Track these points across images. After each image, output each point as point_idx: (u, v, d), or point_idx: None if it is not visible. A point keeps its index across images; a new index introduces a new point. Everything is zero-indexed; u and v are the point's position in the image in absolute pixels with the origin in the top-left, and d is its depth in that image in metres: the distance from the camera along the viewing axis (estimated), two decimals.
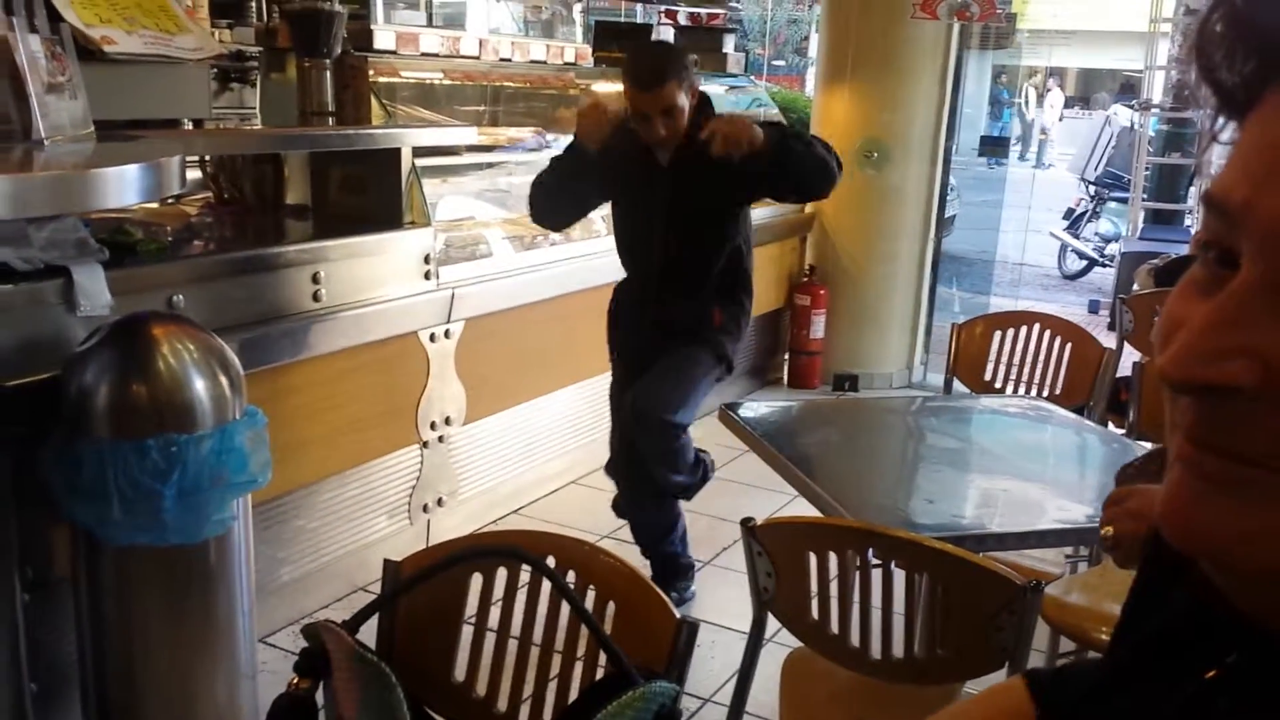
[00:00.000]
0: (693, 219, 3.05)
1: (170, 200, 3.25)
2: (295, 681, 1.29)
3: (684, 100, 2.92)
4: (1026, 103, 16.80)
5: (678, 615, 1.35)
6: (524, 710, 1.50)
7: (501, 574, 1.54)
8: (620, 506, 3.39)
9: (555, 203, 3.12)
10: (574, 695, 1.41)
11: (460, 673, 1.54)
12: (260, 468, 2.30)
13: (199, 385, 2.21)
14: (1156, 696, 0.58)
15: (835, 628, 1.63)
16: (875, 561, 1.59)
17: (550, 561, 1.47)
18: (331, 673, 1.33)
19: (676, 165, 3.00)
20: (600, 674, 1.37)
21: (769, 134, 2.80)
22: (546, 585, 1.43)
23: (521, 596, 1.51)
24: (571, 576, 1.49)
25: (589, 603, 1.45)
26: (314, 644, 1.34)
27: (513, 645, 1.54)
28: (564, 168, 3.05)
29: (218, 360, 2.26)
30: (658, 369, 3.07)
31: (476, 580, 1.53)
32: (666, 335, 3.12)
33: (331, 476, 3.19)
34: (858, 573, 1.59)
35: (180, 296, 2.59)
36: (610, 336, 3.32)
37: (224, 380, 2.26)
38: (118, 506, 2.13)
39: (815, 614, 1.65)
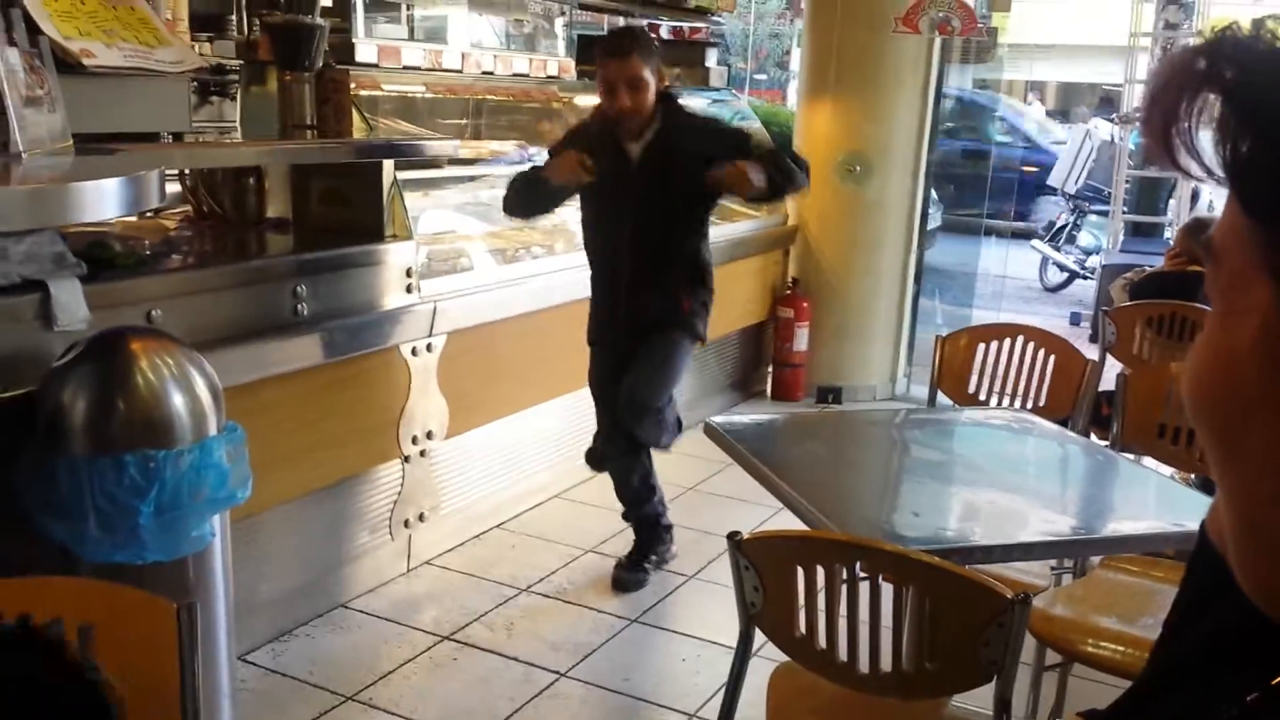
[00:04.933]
0: (661, 211, 3.24)
1: (149, 214, 3.22)
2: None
3: (649, 77, 3.15)
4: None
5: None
6: None
7: None
8: (597, 458, 3.60)
9: (528, 204, 3.35)
10: None
11: None
12: (239, 483, 2.28)
13: (177, 400, 2.19)
14: (1191, 715, 0.57)
15: (823, 642, 1.62)
16: (862, 575, 1.58)
17: None
18: None
19: (646, 160, 3.22)
20: None
21: (762, 179, 3.07)
22: None
23: None
24: None
25: None
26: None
27: None
28: (536, 183, 3.26)
29: (197, 375, 2.24)
30: (642, 360, 3.31)
31: None
32: (639, 324, 3.34)
33: (312, 492, 3.16)
34: (845, 586, 1.58)
35: (159, 311, 2.56)
36: (589, 325, 3.51)
37: (203, 395, 2.23)
38: (94, 523, 2.11)
39: (803, 628, 1.64)
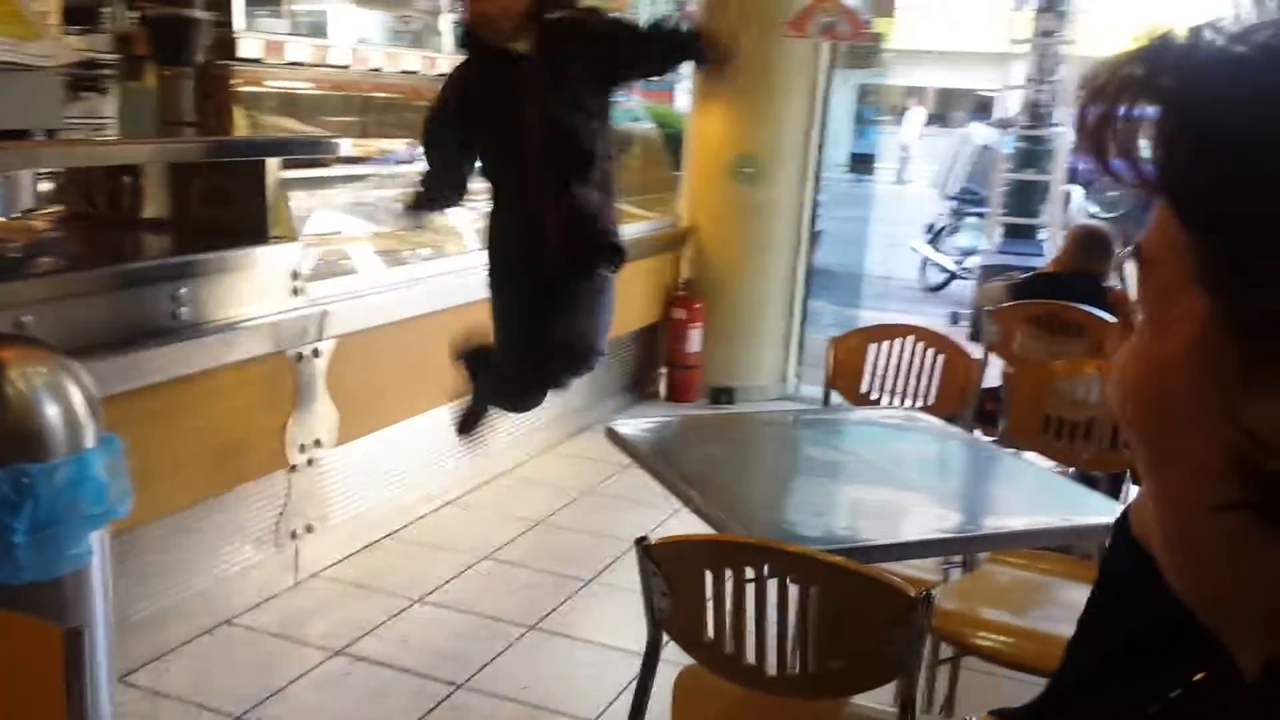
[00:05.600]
0: (565, 108, 3.03)
1: (17, 214, 3.06)
2: None
3: None
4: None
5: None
6: None
7: None
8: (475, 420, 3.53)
9: (444, 189, 3.21)
10: None
11: None
12: (119, 497, 2.18)
13: (51, 411, 2.08)
14: (1114, 714, 0.57)
15: (730, 645, 1.62)
16: (769, 576, 1.58)
17: None
18: None
19: (541, 51, 3.01)
20: None
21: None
22: None
23: None
24: None
25: None
26: None
27: None
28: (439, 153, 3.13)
29: (71, 384, 2.14)
30: (582, 307, 3.21)
31: None
32: (571, 246, 3.10)
33: (194, 504, 3.04)
34: (753, 588, 1.57)
35: (30, 317, 2.44)
36: (499, 266, 3.26)
37: (78, 406, 2.13)
38: None
39: (711, 632, 1.63)
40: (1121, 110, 0.48)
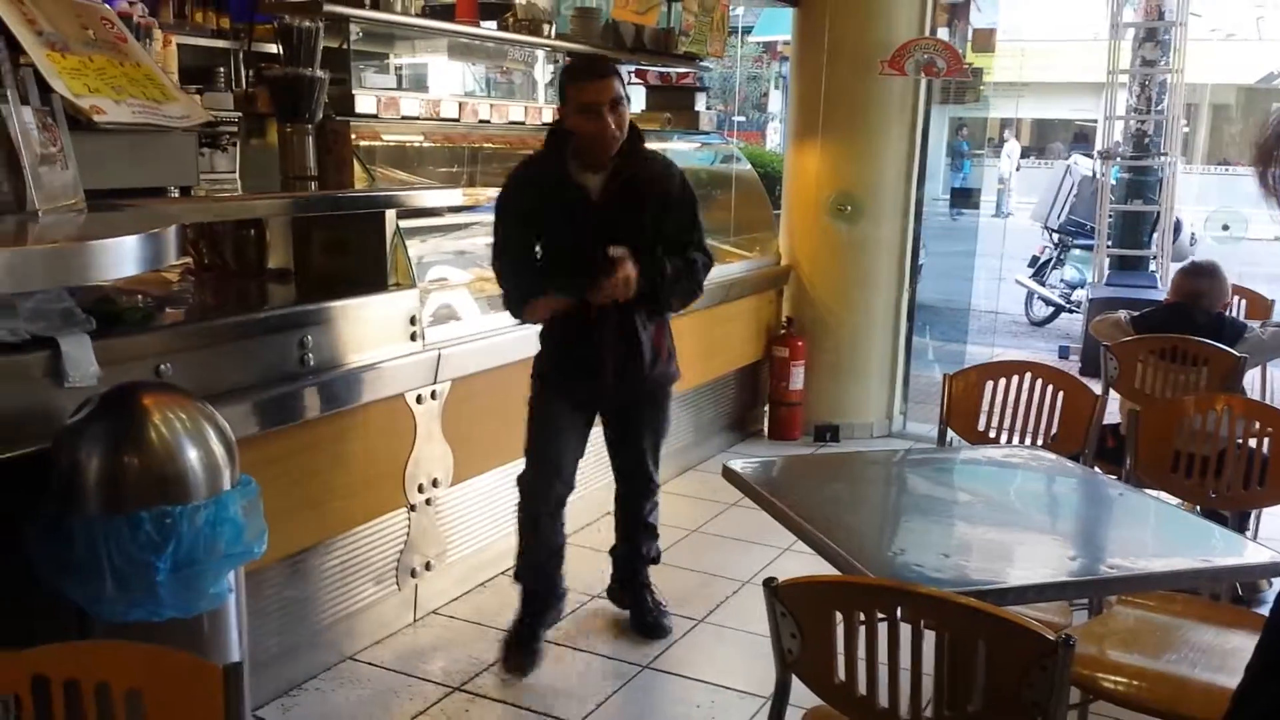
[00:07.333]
0: (634, 240, 3.04)
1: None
2: None
3: (626, 99, 3.01)
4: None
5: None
6: None
7: None
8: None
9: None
10: None
11: None
12: (255, 537, 2.26)
13: (192, 455, 2.17)
14: None
15: (863, 688, 1.61)
16: (902, 618, 1.57)
17: None
18: None
19: (607, 194, 3.05)
20: None
21: (633, 290, 2.97)
22: None
23: None
24: None
25: None
26: None
27: None
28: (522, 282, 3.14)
29: (210, 428, 2.23)
30: (644, 432, 3.33)
31: None
32: (629, 381, 3.18)
33: (318, 544, 3.13)
34: (885, 630, 1.57)
35: (168, 365, 2.55)
36: (552, 368, 3.27)
37: (217, 449, 2.22)
38: (111, 582, 2.08)
39: (842, 674, 1.62)
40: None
